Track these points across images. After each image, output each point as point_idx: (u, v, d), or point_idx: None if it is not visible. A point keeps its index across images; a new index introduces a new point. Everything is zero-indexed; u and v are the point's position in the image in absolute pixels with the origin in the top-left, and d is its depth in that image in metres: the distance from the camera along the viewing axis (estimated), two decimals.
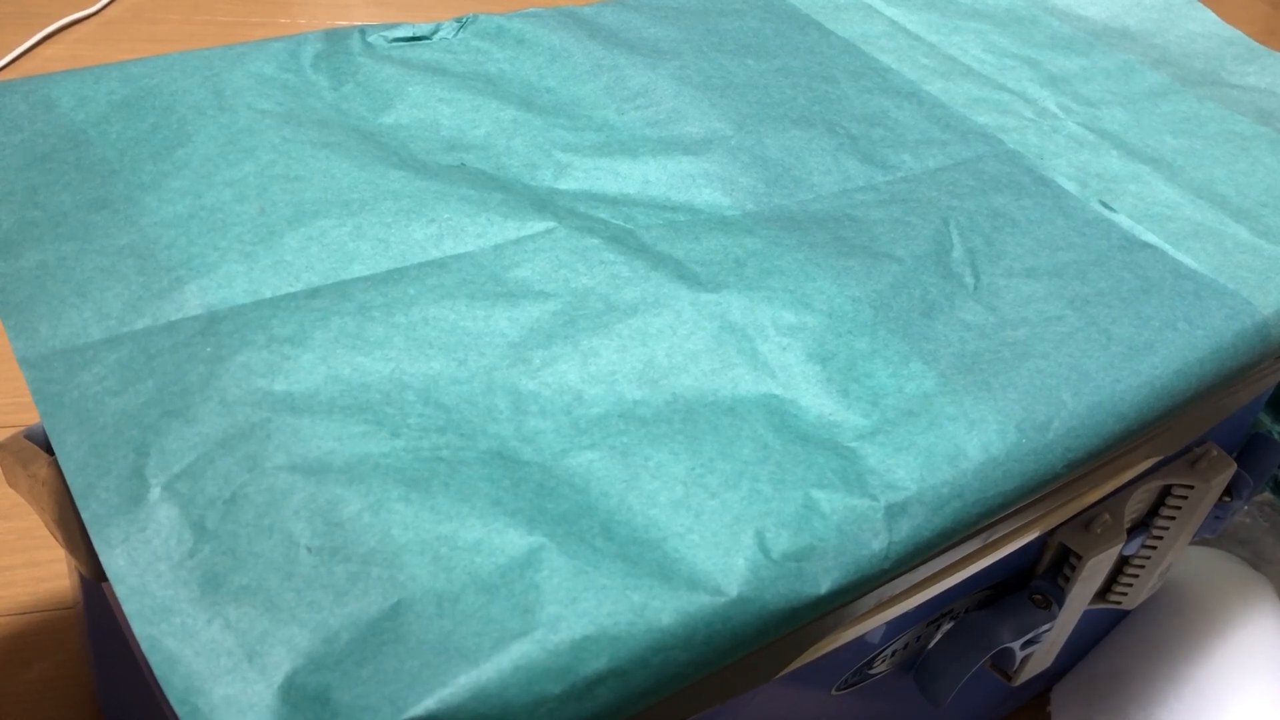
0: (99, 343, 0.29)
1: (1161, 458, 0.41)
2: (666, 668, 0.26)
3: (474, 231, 0.35)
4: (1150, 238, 0.42)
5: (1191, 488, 0.46)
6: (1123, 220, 0.42)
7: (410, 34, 0.44)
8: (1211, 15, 0.59)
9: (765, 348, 0.33)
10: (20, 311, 0.30)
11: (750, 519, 0.28)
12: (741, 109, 0.44)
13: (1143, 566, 0.49)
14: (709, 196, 0.39)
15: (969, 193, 0.42)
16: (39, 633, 0.57)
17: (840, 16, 0.52)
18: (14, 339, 0.29)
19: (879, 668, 0.40)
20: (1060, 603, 0.43)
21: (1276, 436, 0.52)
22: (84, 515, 0.26)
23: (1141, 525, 0.47)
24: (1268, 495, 0.65)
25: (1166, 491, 0.47)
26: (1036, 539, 0.42)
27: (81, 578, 0.41)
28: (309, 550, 0.25)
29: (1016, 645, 0.42)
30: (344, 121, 0.39)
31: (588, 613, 0.25)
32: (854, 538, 0.29)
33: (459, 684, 0.24)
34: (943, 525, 0.31)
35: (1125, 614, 0.62)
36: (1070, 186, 0.43)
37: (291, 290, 0.32)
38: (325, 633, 0.24)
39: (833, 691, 0.39)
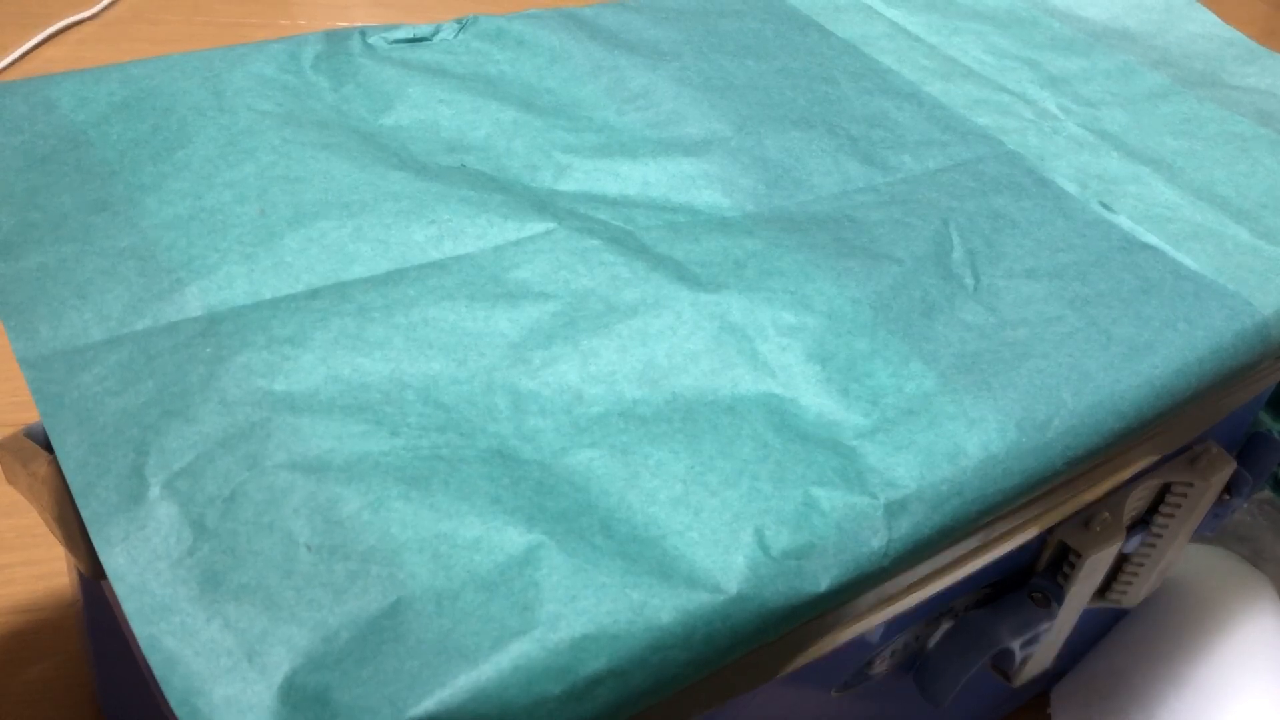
0: (99, 343, 0.29)
1: (1161, 456, 0.41)
2: (666, 666, 0.26)
3: (474, 233, 0.35)
4: (1150, 239, 0.42)
5: (1191, 486, 0.46)
6: (1123, 221, 0.42)
7: (410, 35, 0.44)
8: (1211, 16, 0.59)
9: (765, 348, 0.33)
10: (20, 312, 0.30)
11: (750, 517, 0.28)
12: (741, 110, 0.44)
13: (1142, 565, 0.49)
14: (709, 197, 0.39)
15: (969, 194, 0.42)
16: (39, 632, 0.57)
17: (840, 17, 0.52)
18: (14, 340, 0.29)
19: (879, 668, 0.40)
20: (1060, 601, 0.43)
21: (1276, 435, 0.52)
22: (83, 513, 0.26)
23: (1141, 523, 0.47)
24: (1268, 493, 0.65)
25: (1166, 489, 0.47)
26: (1036, 537, 0.42)
27: (81, 576, 0.41)
28: (308, 548, 0.25)
29: (1016, 645, 0.42)
30: (344, 123, 0.39)
31: (587, 611, 0.25)
32: (854, 535, 0.29)
33: (458, 684, 0.24)
34: (942, 523, 0.31)
35: (1125, 613, 0.62)
36: (1070, 188, 0.44)
37: (291, 291, 0.32)
38: (325, 632, 0.24)
39: (832, 692, 0.39)
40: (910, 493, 0.30)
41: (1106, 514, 0.43)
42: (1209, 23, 0.58)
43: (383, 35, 0.43)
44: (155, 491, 0.26)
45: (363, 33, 0.43)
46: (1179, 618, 0.59)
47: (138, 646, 0.33)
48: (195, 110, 0.37)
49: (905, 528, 0.30)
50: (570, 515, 0.27)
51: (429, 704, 0.23)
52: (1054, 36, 0.54)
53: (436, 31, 0.44)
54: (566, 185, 0.38)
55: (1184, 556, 0.63)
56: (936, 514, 0.30)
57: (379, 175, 0.36)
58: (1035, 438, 0.33)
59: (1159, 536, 0.48)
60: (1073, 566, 0.43)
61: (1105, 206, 0.43)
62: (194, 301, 0.31)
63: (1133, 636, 0.60)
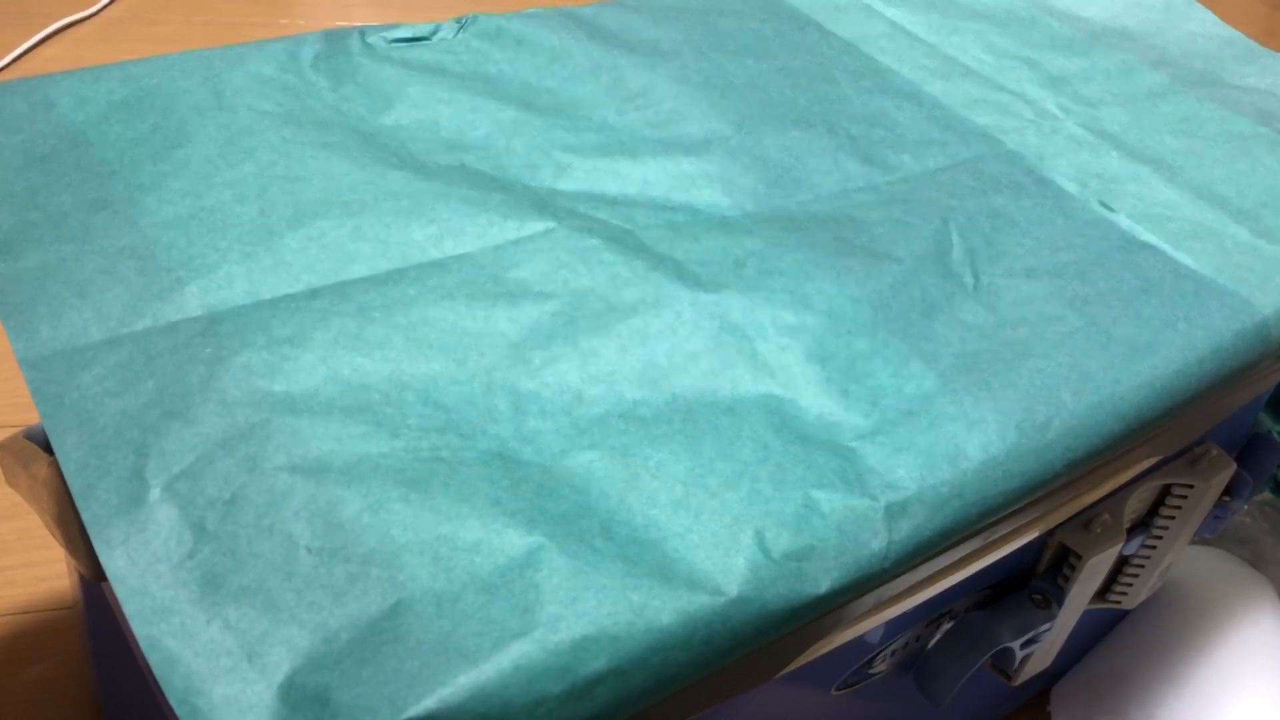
0: (99, 344, 0.29)
1: (1161, 457, 0.41)
2: (666, 667, 0.26)
3: (474, 232, 0.35)
4: (1150, 238, 0.42)
5: (1191, 487, 0.46)
6: (1122, 221, 0.42)
7: (410, 35, 0.44)
8: (1211, 16, 0.59)
9: (765, 348, 0.33)
10: (20, 312, 0.30)
11: (750, 519, 0.28)
12: (741, 109, 0.44)
13: (1142, 566, 0.49)
14: (709, 197, 0.39)
15: (969, 193, 0.42)
16: (39, 633, 0.57)
17: (840, 17, 0.52)
18: (14, 340, 0.29)
19: (879, 668, 0.40)
20: (1060, 602, 0.43)
21: (1276, 436, 0.52)
22: (84, 516, 0.26)
23: (1141, 525, 0.47)
24: (1268, 495, 0.65)
25: (1166, 491, 0.47)
26: (1036, 539, 0.42)
27: (81, 578, 0.41)
28: (309, 551, 0.25)
29: (1016, 645, 0.42)
30: (344, 122, 0.39)
31: (587, 613, 0.25)
32: (854, 537, 0.29)
33: (459, 684, 0.24)
34: (943, 525, 0.31)
35: (1125, 614, 0.62)
36: (1070, 187, 0.43)
37: (291, 291, 0.32)
38: (325, 633, 0.24)
39: (832, 691, 0.39)
40: (910, 495, 0.30)
41: (1107, 516, 0.43)
42: (1208, 22, 0.58)
43: (382, 35, 0.43)
44: (155, 494, 0.26)
45: (362, 32, 0.43)
46: (1179, 619, 0.59)
47: (138, 647, 0.33)
48: (195, 110, 0.37)
49: (905, 530, 0.30)
50: (570, 517, 0.27)
51: (429, 703, 0.23)
52: (1053, 36, 0.54)
53: (436, 31, 0.44)
54: (566, 184, 0.38)
55: (1184, 558, 0.63)
56: (937, 516, 0.30)
57: (378, 175, 0.36)
58: (1035, 439, 0.33)
59: (1159, 538, 0.48)
60: (1073, 568, 0.43)
61: (1105, 206, 0.43)
62: (194, 301, 0.31)
63: (1133, 637, 0.60)
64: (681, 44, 0.47)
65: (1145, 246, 0.41)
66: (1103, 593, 0.50)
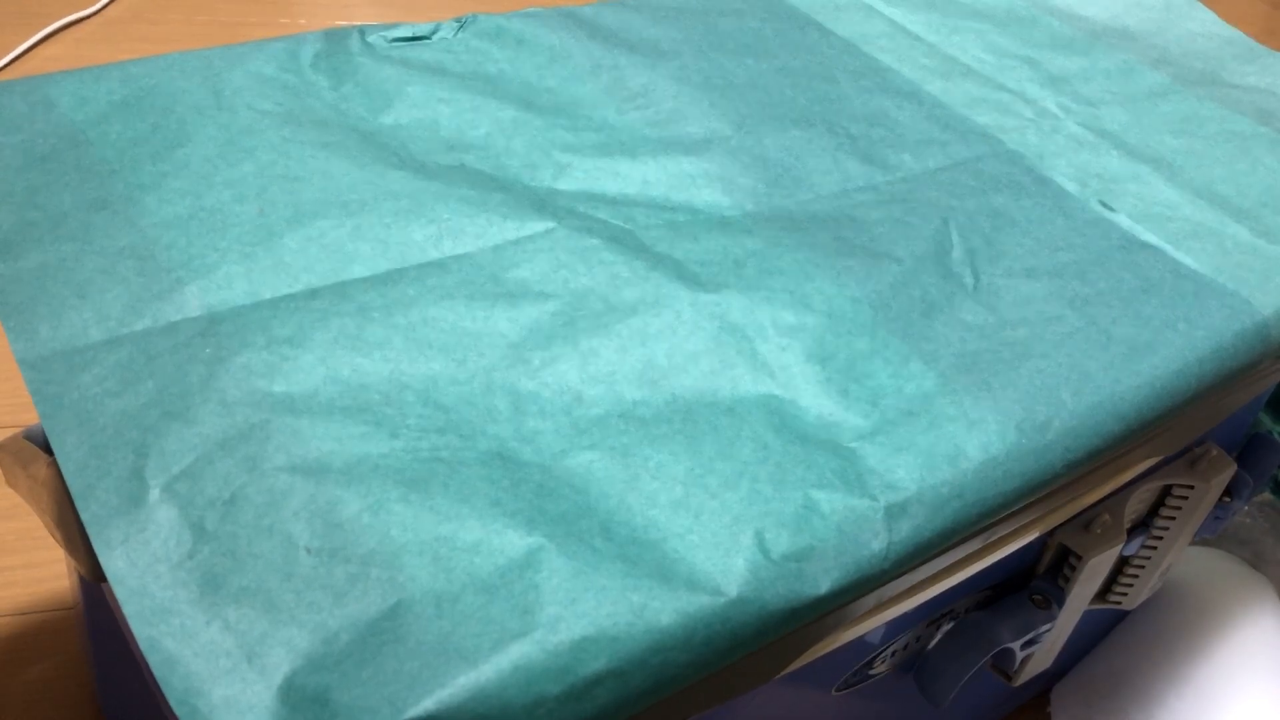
0: (99, 344, 0.29)
1: (1161, 458, 0.41)
2: (666, 668, 0.26)
3: (473, 232, 0.35)
4: (1150, 238, 0.42)
5: (1191, 488, 0.46)
6: (1123, 220, 0.42)
7: (410, 34, 0.44)
8: (1211, 15, 0.59)
9: (765, 348, 0.33)
10: (20, 312, 0.30)
11: (750, 519, 0.28)
12: (741, 109, 0.44)
13: (1143, 567, 0.49)
14: (709, 196, 0.39)
15: (969, 193, 0.42)
16: (39, 633, 0.57)
17: (840, 16, 0.52)
18: (14, 340, 0.29)
19: (879, 668, 0.40)
20: (1060, 603, 0.43)
21: (1276, 436, 0.52)
22: (83, 516, 0.26)
23: (1141, 525, 0.47)
24: (1268, 495, 0.65)
25: (1166, 492, 0.47)
26: (1036, 539, 0.42)
27: (81, 578, 0.41)
28: (308, 551, 0.25)
29: (1016, 645, 0.42)
30: (343, 122, 0.39)
31: (587, 613, 0.25)
32: (854, 538, 0.29)
33: (458, 684, 0.24)
34: (943, 525, 0.31)
35: (1125, 614, 0.61)
36: (1070, 186, 0.43)
37: (291, 291, 0.32)
38: (324, 634, 0.24)
39: (833, 692, 0.39)
40: (910, 495, 0.30)
41: (1107, 516, 0.43)
42: (1208, 21, 0.58)
43: (382, 34, 0.43)
44: (155, 494, 0.26)
45: (362, 32, 0.43)
46: (1179, 619, 0.59)
47: (138, 648, 0.33)
48: (195, 109, 0.37)
49: (905, 530, 0.30)
50: (570, 518, 0.27)
51: (428, 704, 0.23)
52: (1053, 35, 0.54)
53: (436, 30, 0.44)
54: (566, 184, 0.38)
55: (1184, 559, 0.63)
56: (937, 517, 0.30)
57: (378, 174, 0.36)
58: (1035, 439, 0.33)
59: (1159, 539, 0.48)
60: (1073, 569, 0.42)
61: (1105, 205, 0.43)
62: (193, 301, 0.31)
63: (1133, 638, 0.60)
64: (681, 43, 0.47)
65: (1145, 246, 0.41)
66: (1103, 593, 0.50)
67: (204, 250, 0.32)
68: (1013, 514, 0.34)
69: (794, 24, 0.51)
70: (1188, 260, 0.41)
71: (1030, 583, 0.43)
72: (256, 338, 0.30)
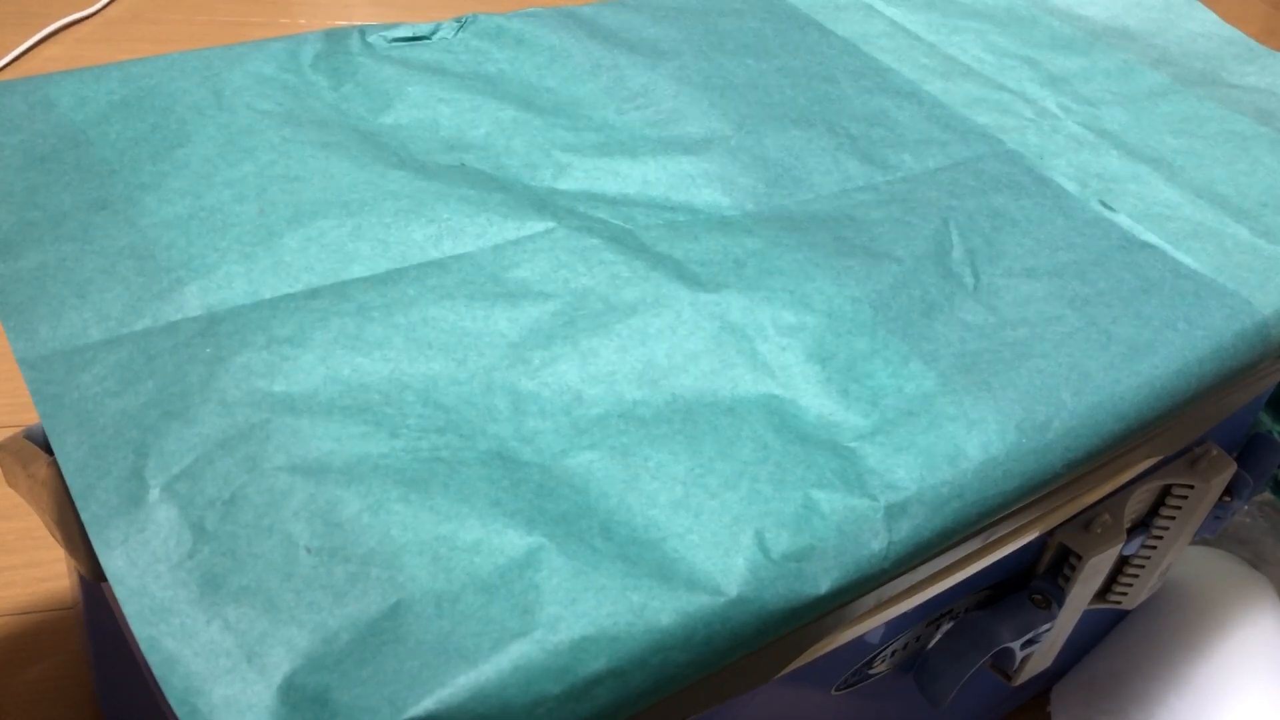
0: (99, 344, 0.29)
1: (1161, 458, 0.41)
2: (665, 668, 0.26)
3: (473, 232, 0.35)
4: (1150, 238, 0.42)
5: (1191, 488, 0.46)
6: (1123, 220, 0.42)
7: (410, 34, 0.44)
8: (1211, 15, 0.59)
9: (765, 348, 0.33)
10: (20, 312, 0.30)
11: (750, 519, 0.28)
12: (741, 109, 0.44)
13: (1143, 566, 0.49)
14: (709, 196, 0.39)
15: (969, 193, 0.42)
16: (39, 633, 0.57)
17: (840, 16, 0.52)
18: (14, 340, 0.29)
19: (879, 668, 0.40)
20: (1060, 603, 0.43)
21: (1276, 436, 0.52)
22: (83, 516, 0.26)
23: (1141, 525, 0.47)
24: (1268, 495, 0.65)
25: (1166, 491, 0.47)
26: (1036, 539, 0.42)
27: (81, 578, 0.41)
28: (308, 551, 0.25)
29: (1016, 645, 0.42)
30: (343, 121, 0.39)
31: (587, 613, 0.25)
32: (854, 538, 0.29)
33: (458, 684, 0.24)
34: (943, 525, 0.31)
35: (1125, 614, 0.61)
36: (1070, 186, 0.43)
37: (291, 291, 0.32)
38: (324, 633, 0.24)
39: (832, 691, 0.39)
40: (910, 495, 0.30)
41: (1107, 516, 0.43)
42: (1209, 21, 0.58)
43: (382, 34, 0.43)
44: (155, 494, 0.26)
45: (362, 31, 0.43)
46: (1179, 619, 0.59)
47: (138, 648, 0.33)
48: (195, 109, 0.37)
49: (905, 530, 0.30)
50: (570, 518, 0.27)
51: (428, 703, 0.23)
52: (1053, 35, 0.54)
53: (436, 30, 0.44)
54: (566, 184, 0.38)
55: (1184, 558, 0.63)
56: (937, 516, 0.30)
57: (378, 174, 0.36)
58: (1035, 439, 0.33)
59: (1159, 539, 0.48)
60: (1073, 568, 0.42)
61: (1105, 205, 0.43)
62: (193, 301, 0.31)
63: (1133, 637, 0.60)
64: (681, 43, 0.47)
65: (1145, 246, 0.41)
66: (1103, 593, 0.50)
67: (204, 250, 0.32)
68: (1013, 514, 0.34)
69: (794, 24, 0.51)
70: (1188, 260, 0.41)
71: (1030, 582, 0.43)
72: (256, 337, 0.30)
